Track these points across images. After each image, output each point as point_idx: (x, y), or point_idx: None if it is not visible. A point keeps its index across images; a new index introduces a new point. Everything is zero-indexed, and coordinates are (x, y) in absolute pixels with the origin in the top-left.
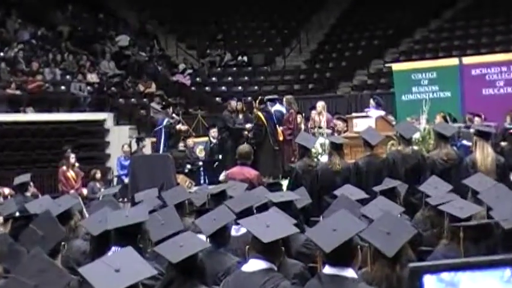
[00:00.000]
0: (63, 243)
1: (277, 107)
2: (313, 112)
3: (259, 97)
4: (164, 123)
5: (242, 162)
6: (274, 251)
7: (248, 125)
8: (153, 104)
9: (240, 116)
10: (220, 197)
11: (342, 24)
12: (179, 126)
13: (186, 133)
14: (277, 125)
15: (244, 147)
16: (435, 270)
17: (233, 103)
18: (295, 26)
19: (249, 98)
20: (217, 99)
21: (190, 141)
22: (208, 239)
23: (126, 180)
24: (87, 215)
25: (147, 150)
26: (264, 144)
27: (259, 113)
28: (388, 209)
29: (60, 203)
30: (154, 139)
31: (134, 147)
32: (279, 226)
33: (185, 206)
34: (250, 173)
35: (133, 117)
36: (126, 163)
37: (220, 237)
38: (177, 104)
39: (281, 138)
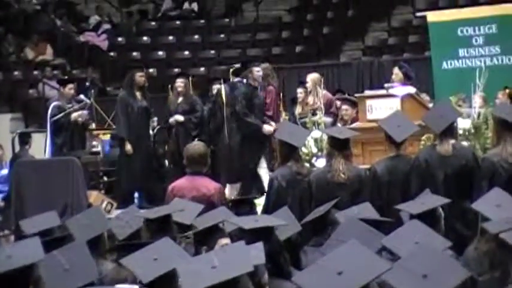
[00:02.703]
0: None
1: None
2: (300, 90)
3: (236, 65)
4: (49, 111)
5: (194, 171)
6: None
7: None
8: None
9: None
10: (161, 226)
11: None
12: (76, 115)
13: (86, 126)
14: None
15: (196, 147)
16: None
17: (257, 71)
18: None
19: (202, 69)
20: (150, 70)
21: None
22: None
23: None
24: None
25: (38, 152)
26: (218, 137)
27: (222, 87)
28: (425, 239)
29: None
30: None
31: (18, 147)
32: (226, 267)
33: (103, 241)
34: (208, 186)
35: (17, 101)
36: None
37: None
38: (88, 79)
39: None
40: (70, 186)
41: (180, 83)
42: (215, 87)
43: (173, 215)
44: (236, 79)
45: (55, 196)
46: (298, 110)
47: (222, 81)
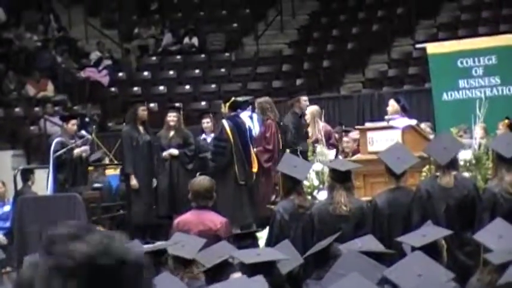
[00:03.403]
0: None
1: (245, 115)
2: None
3: (233, 98)
4: (52, 147)
5: (200, 205)
6: None
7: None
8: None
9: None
10: (158, 260)
11: None
12: (79, 151)
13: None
14: (251, 145)
15: (202, 181)
16: None
17: (304, 101)
18: None
19: (203, 103)
20: (152, 105)
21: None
22: None
23: (2, 238)
24: None
25: (41, 188)
26: (226, 173)
27: (224, 122)
28: (428, 271)
29: None
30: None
31: (20, 184)
32: None
33: None
34: (215, 221)
35: (19, 138)
36: (1, 211)
37: None
38: (87, 115)
39: (254, 168)
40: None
41: (173, 117)
42: (204, 121)
43: (175, 249)
44: (233, 113)
45: None
46: None
47: (211, 114)
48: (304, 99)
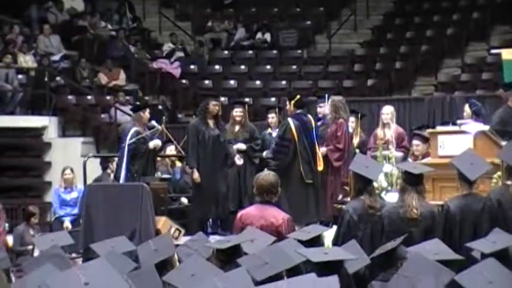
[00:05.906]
0: None
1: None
2: (352, 119)
3: (297, 96)
4: (129, 136)
5: (264, 200)
6: None
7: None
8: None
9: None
10: (231, 255)
11: None
12: (151, 145)
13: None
14: (317, 144)
15: (267, 176)
16: None
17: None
18: None
19: (272, 99)
20: (222, 99)
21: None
22: None
23: (68, 224)
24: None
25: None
26: (291, 171)
27: (290, 121)
28: (500, 279)
29: None
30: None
31: (95, 171)
32: None
33: (170, 268)
34: (277, 216)
35: (89, 125)
36: (69, 197)
37: None
38: (159, 105)
39: (320, 167)
40: (139, 212)
41: (239, 112)
42: (269, 116)
43: (244, 245)
44: (298, 111)
45: (124, 221)
46: (369, 143)
47: (277, 110)
48: None
